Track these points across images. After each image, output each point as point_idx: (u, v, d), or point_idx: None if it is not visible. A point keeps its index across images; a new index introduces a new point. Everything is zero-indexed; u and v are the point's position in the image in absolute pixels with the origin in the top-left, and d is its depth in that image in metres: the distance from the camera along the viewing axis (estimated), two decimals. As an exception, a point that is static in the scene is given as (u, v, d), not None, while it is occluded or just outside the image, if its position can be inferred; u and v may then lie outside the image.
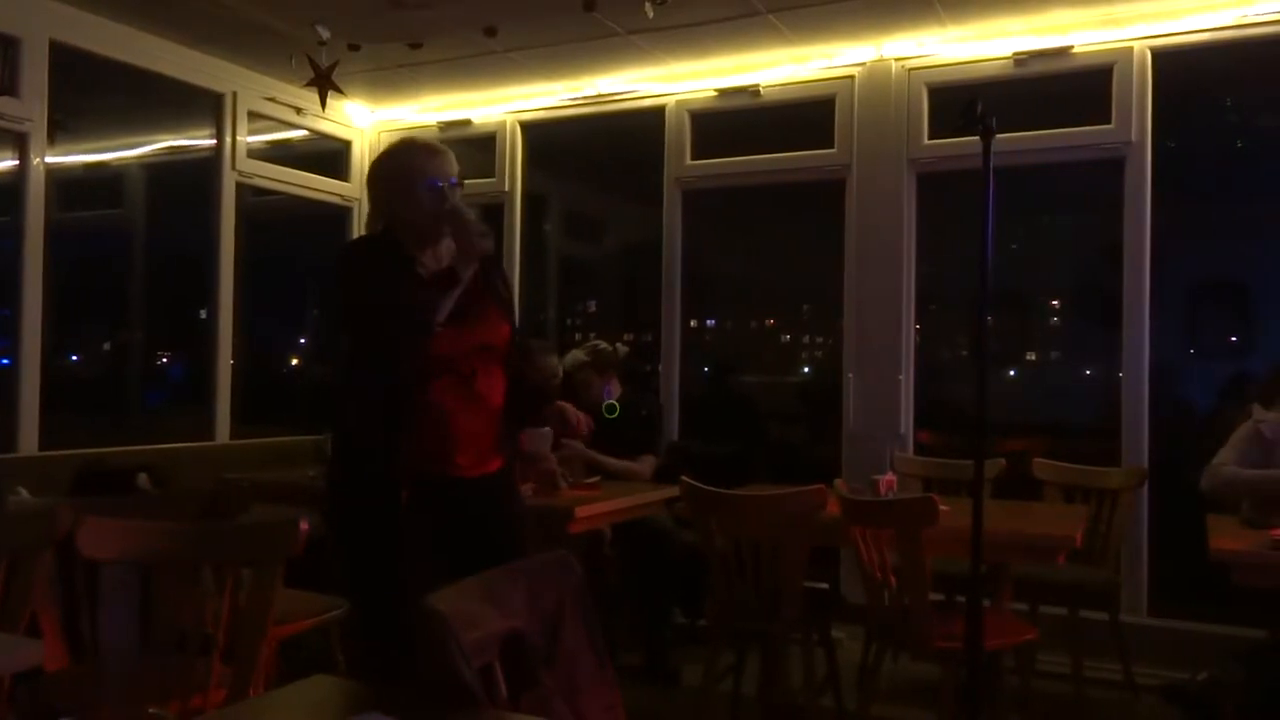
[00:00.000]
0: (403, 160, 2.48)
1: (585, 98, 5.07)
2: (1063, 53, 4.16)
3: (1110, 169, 4.16)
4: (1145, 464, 3.99)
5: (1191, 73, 4.19)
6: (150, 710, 2.01)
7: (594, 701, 1.66)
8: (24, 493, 3.28)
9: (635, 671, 3.94)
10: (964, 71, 4.35)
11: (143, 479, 3.64)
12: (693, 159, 4.95)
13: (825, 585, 4.13)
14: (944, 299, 4.97)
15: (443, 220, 2.40)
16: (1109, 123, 4.12)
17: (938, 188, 4.53)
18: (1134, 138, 4.07)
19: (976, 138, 2.20)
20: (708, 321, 6.08)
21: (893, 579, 2.93)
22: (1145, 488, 3.96)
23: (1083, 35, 4.12)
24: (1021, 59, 4.22)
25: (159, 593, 2.12)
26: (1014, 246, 5.24)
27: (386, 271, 2.37)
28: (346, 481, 2.44)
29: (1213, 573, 2.75)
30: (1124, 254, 4.10)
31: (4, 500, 3.07)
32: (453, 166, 2.48)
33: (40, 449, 3.95)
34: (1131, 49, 4.07)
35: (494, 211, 5.40)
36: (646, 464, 4.23)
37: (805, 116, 4.71)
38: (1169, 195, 4.14)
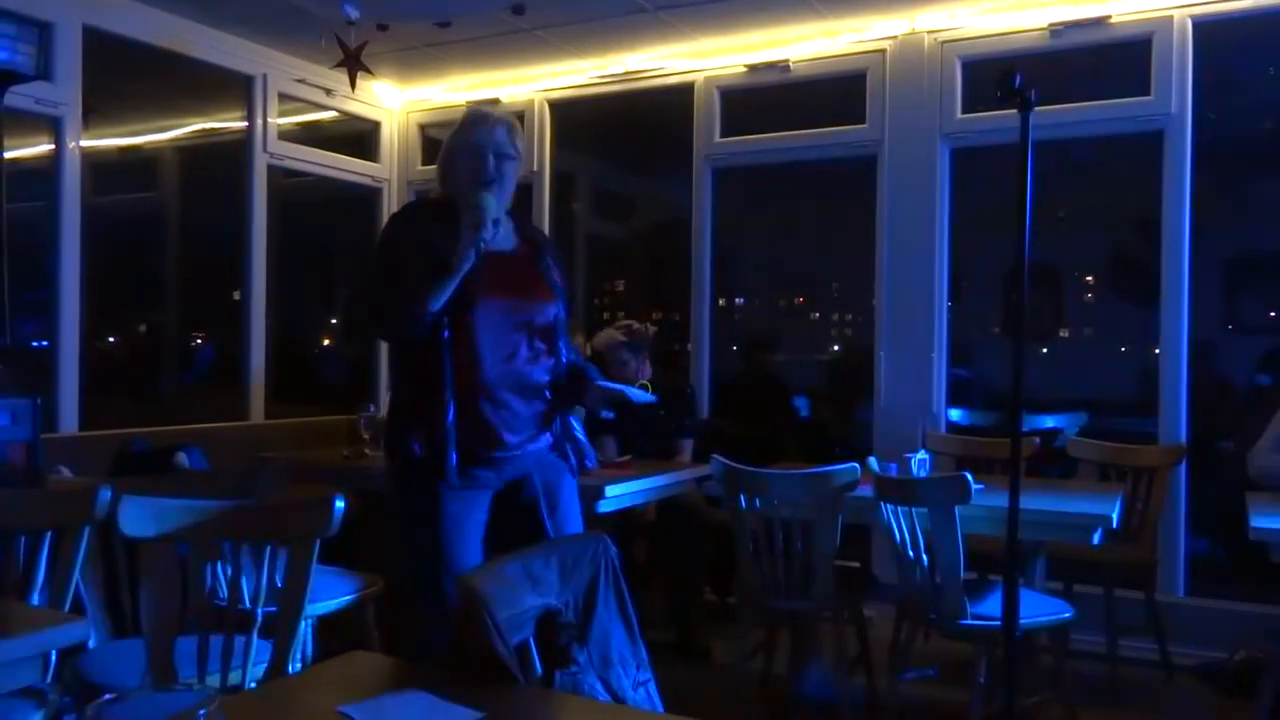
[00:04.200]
0: (454, 129, 2.50)
1: (613, 75, 5.04)
2: (1100, 23, 4.08)
3: (1148, 142, 4.08)
4: (1183, 441, 3.94)
5: (1232, 43, 4.09)
6: (191, 686, 2.05)
7: (626, 677, 1.66)
8: (66, 471, 3.33)
9: (666, 648, 3.95)
10: (998, 43, 4.28)
11: (180, 458, 3.68)
12: (722, 136, 4.91)
13: (856, 563, 4.12)
14: (975, 275, 4.92)
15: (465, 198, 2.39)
16: (1148, 94, 4.04)
17: (970, 161, 4.47)
18: (1174, 109, 3.98)
19: (1012, 111, 2.15)
20: (736, 300, 6.06)
21: (925, 557, 2.92)
22: (1183, 466, 3.90)
23: (1121, 4, 4.03)
24: (1058, 29, 4.14)
25: (198, 570, 2.15)
26: (1059, 218, 5.17)
27: (416, 236, 2.37)
28: (398, 453, 2.45)
29: (1252, 552, 2.72)
30: (1162, 228, 4.02)
31: (46, 479, 3.12)
32: (492, 137, 2.43)
33: (80, 429, 4.02)
34: (1171, 18, 3.98)
35: (522, 191, 5.39)
36: (686, 450, 4.22)
37: (836, 92, 4.65)
38: (1208, 168, 4.06)
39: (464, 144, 2.46)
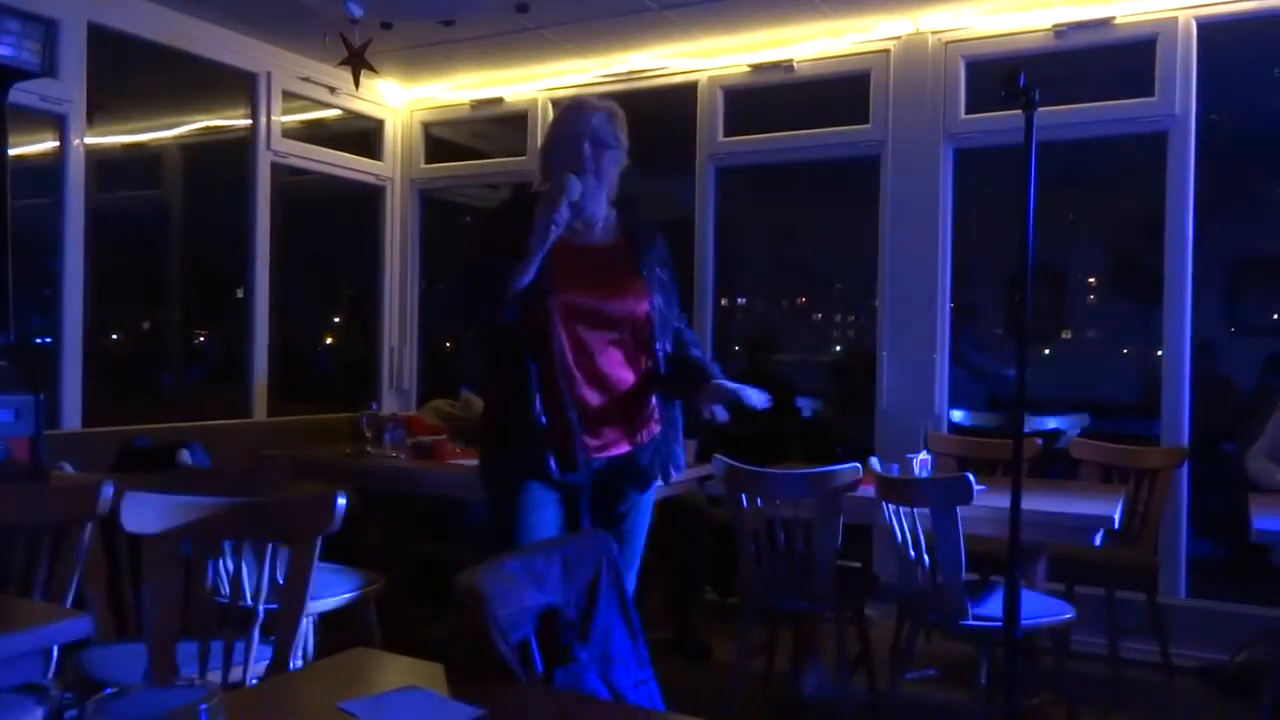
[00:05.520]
0: (551, 120, 2.46)
1: (617, 74, 5.04)
2: (1105, 24, 4.08)
3: (1151, 143, 4.08)
4: (1185, 443, 3.93)
5: (1236, 44, 4.09)
6: (192, 682, 2.05)
7: (627, 676, 1.67)
8: (68, 468, 3.34)
9: (667, 647, 3.96)
10: (1002, 44, 4.27)
11: (183, 455, 3.69)
12: (725, 136, 4.91)
13: (858, 563, 4.12)
14: (976, 276, 4.92)
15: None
16: (1152, 96, 4.04)
17: (972, 162, 4.46)
18: (1177, 111, 3.98)
19: (1016, 111, 2.15)
20: (739, 300, 6.06)
21: (926, 558, 2.92)
22: (1185, 467, 3.90)
23: (1125, 5, 4.03)
24: (1062, 30, 4.14)
25: (200, 567, 2.15)
26: (1070, 221, 5.16)
27: (509, 227, 2.34)
28: (483, 452, 2.45)
29: (1253, 553, 2.72)
30: (1165, 229, 4.02)
31: (49, 475, 3.12)
32: (588, 124, 2.38)
33: (83, 426, 4.03)
34: (1176, 19, 3.98)
35: (526, 190, 5.39)
36: (689, 449, 4.23)
37: (840, 92, 4.65)
38: (1211, 169, 4.05)
39: (559, 134, 2.41)
